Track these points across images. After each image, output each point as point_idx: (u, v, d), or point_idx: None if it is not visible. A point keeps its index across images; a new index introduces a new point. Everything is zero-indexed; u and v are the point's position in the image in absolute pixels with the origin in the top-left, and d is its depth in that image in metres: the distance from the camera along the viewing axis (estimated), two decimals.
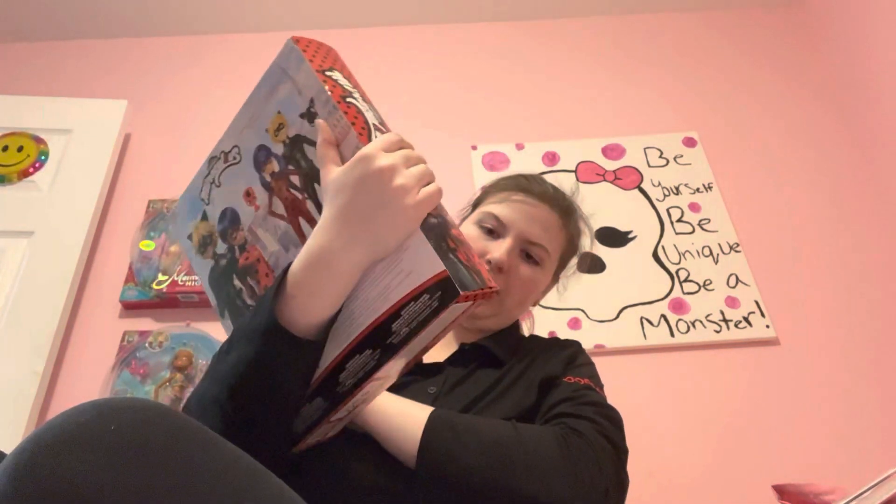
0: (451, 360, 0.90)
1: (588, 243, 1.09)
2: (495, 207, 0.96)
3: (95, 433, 0.45)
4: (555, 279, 1.05)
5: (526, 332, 1.13)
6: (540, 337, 1.05)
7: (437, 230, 0.61)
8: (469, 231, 0.96)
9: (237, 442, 0.54)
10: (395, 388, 0.80)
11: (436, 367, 0.88)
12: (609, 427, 0.78)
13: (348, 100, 0.66)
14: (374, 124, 0.66)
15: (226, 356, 0.66)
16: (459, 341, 0.94)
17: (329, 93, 0.65)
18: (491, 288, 0.60)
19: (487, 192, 1.03)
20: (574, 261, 1.09)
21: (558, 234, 0.97)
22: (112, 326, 1.60)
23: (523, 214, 0.94)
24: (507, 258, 0.91)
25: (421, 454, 0.68)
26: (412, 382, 0.84)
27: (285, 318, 0.62)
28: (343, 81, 0.68)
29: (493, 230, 0.94)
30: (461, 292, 0.56)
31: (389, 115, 2.09)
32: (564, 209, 0.99)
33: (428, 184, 0.63)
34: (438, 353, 0.92)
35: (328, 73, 0.67)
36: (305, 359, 0.64)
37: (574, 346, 0.98)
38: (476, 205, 1.04)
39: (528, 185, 0.99)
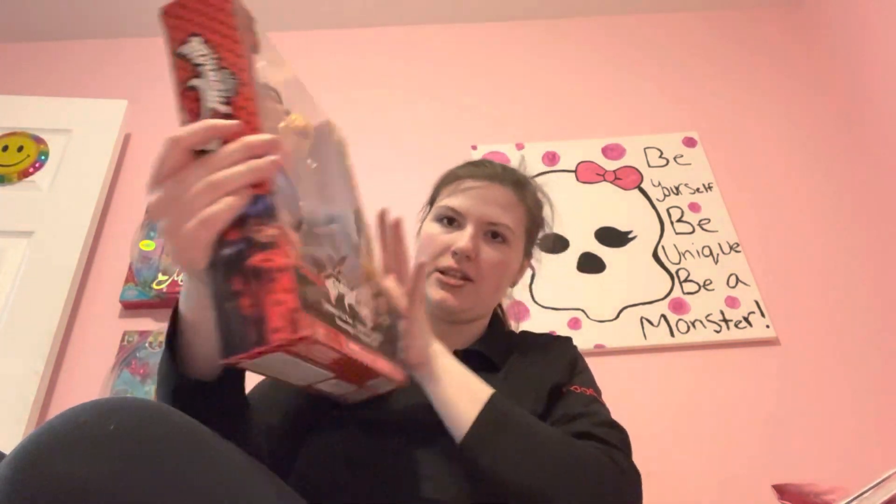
0: None
1: (550, 214, 1.07)
2: (449, 200, 0.95)
3: (94, 433, 0.46)
4: (527, 256, 1.04)
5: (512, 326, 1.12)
6: (529, 333, 1.04)
7: (226, 265, 0.47)
8: (431, 229, 0.95)
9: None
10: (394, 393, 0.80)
11: None
12: (630, 454, 0.79)
13: (192, 83, 0.51)
14: (212, 108, 0.51)
15: (161, 381, 0.65)
16: (452, 348, 0.93)
17: (175, 81, 0.52)
18: (280, 345, 0.45)
19: (439, 187, 1.02)
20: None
21: (517, 209, 0.96)
22: (112, 326, 1.60)
23: (478, 199, 0.93)
24: (472, 244, 0.90)
25: (469, 435, 0.68)
26: (410, 388, 0.84)
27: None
28: (198, 53, 0.52)
29: (454, 221, 0.94)
30: (223, 357, 0.45)
31: (390, 114, 2.10)
32: (516, 183, 0.98)
33: (216, 201, 0.48)
34: None
35: (181, 50, 0.52)
36: (220, 396, 0.64)
37: (570, 346, 0.97)
38: (432, 202, 1.03)
39: (476, 170, 0.98)
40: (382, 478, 0.73)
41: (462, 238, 0.90)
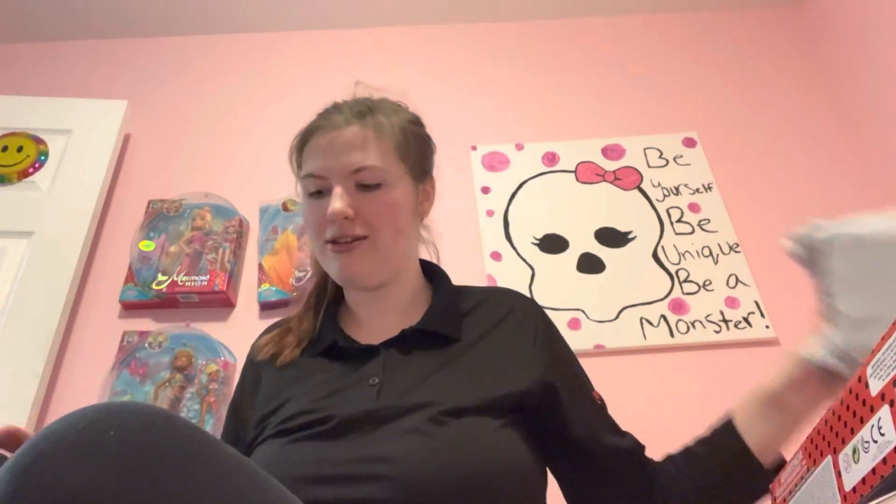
0: (390, 342, 0.84)
1: (419, 119, 1.00)
2: (306, 167, 0.87)
3: (94, 439, 0.45)
4: (420, 179, 0.93)
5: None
6: (474, 290, 0.95)
7: None
8: (305, 207, 0.87)
9: None
10: (332, 378, 0.81)
11: (371, 350, 0.84)
12: None
13: None
14: None
15: None
16: (399, 325, 0.86)
17: None
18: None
19: (296, 156, 0.91)
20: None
21: (377, 141, 0.86)
22: (112, 327, 1.60)
23: (331, 152, 0.84)
24: (342, 203, 0.81)
25: None
26: (352, 371, 0.82)
27: None
28: None
29: (320, 190, 0.85)
30: None
31: None
32: (362, 114, 0.87)
33: None
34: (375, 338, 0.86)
35: None
36: None
37: (543, 319, 0.90)
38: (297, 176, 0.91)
39: (321, 122, 0.88)
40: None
41: (331, 203, 0.82)
